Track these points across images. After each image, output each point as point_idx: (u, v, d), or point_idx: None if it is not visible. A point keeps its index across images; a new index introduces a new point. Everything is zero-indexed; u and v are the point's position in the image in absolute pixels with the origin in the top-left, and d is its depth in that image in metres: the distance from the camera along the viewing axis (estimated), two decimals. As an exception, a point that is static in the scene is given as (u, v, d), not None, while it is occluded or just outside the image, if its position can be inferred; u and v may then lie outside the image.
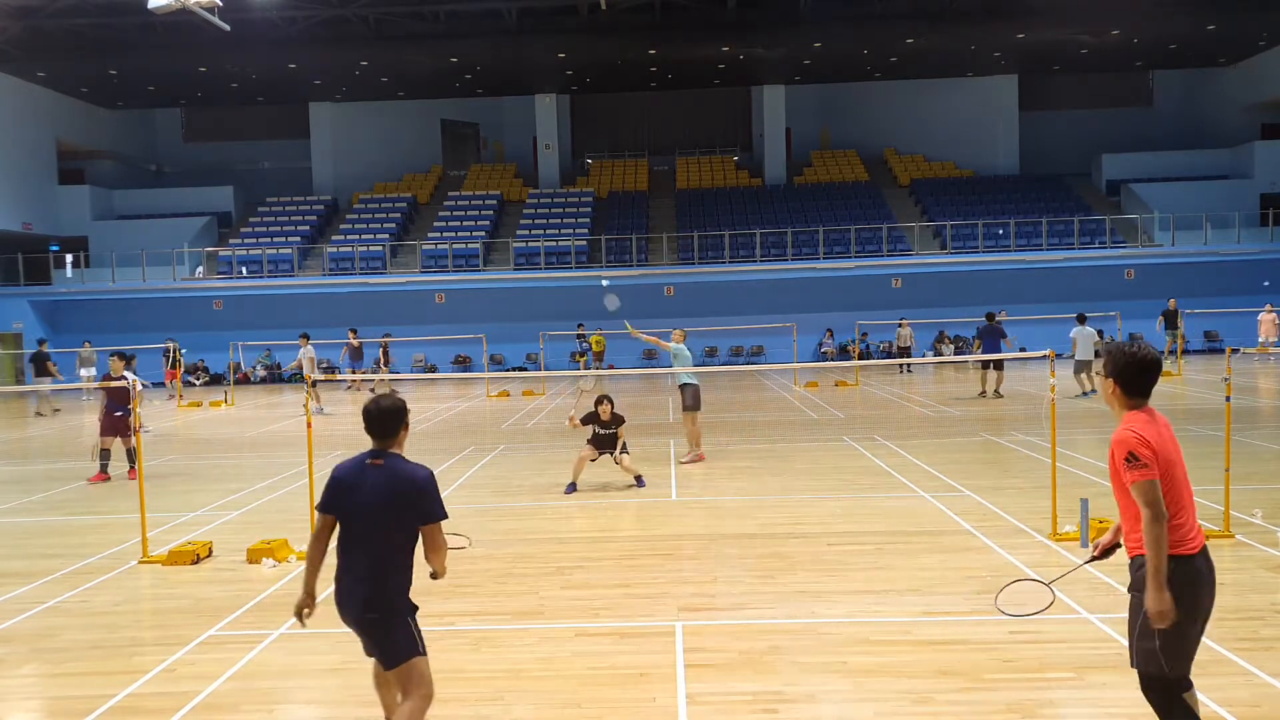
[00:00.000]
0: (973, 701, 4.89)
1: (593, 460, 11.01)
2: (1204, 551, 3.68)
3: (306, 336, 22.01)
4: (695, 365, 13.40)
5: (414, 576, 4.15)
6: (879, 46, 33.18)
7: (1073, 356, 19.04)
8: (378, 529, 3.98)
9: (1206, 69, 37.21)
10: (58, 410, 23.18)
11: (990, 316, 20.22)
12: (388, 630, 4.00)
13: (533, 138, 38.94)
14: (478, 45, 31.51)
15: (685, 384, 12.78)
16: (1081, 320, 19.55)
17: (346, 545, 4.05)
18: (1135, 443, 3.66)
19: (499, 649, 5.82)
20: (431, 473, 4.05)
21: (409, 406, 4.31)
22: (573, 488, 10.82)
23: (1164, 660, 3.61)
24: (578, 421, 11.13)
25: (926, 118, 38.91)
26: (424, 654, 4.06)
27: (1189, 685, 3.77)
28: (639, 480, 10.95)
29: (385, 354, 27.03)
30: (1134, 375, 3.78)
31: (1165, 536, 3.56)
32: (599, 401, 10.99)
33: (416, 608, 4.13)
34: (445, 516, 4.06)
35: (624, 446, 10.96)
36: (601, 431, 10.97)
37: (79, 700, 5.27)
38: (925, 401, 19.70)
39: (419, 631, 4.08)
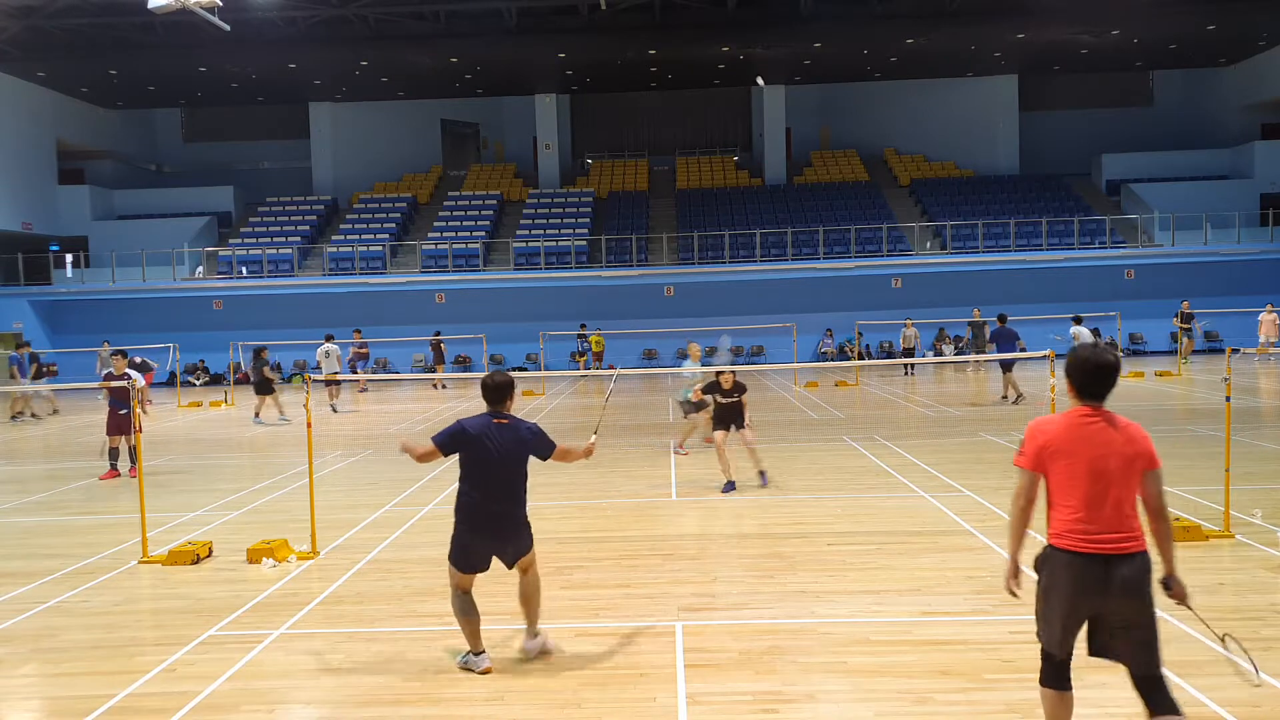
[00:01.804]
0: (973, 701, 4.89)
1: (726, 434, 10.81)
2: (1085, 554, 3.77)
3: (330, 337, 22.29)
4: (697, 365, 13.52)
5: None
6: (879, 46, 33.16)
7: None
8: (511, 466, 5.46)
9: (1206, 69, 37.19)
10: (56, 411, 23.01)
11: (1002, 319, 19.63)
12: (523, 534, 5.55)
13: (533, 138, 38.93)
14: (478, 45, 31.50)
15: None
16: (1078, 321, 19.67)
17: (482, 481, 5.40)
18: (1028, 432, 3.97)
19: (499, 649, 5.82)
20: (538, 426, 5.66)
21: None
22: (731, 486, 10.52)
23: (1037, 609, 3.97)
24: (700, 393, 11.14)
25: (926, 118, 38.89)
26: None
27: (1063, 679, 3.97)
28: (763, 476, 10.75)
29: (439, 352, 27.27)
30: (1082, 377, 3.91)
31: (1019, 516, 3.95)
32: (719, 371, 10.97)
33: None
34: (556, 446, 5.71)
35: (749, 420, 10.86)
36: (724, 400, 10.80)
37: (79, 700, 5.28)
38: (925, 401, 19.70)
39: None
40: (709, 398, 11.14)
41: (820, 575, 7.19)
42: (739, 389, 10.79)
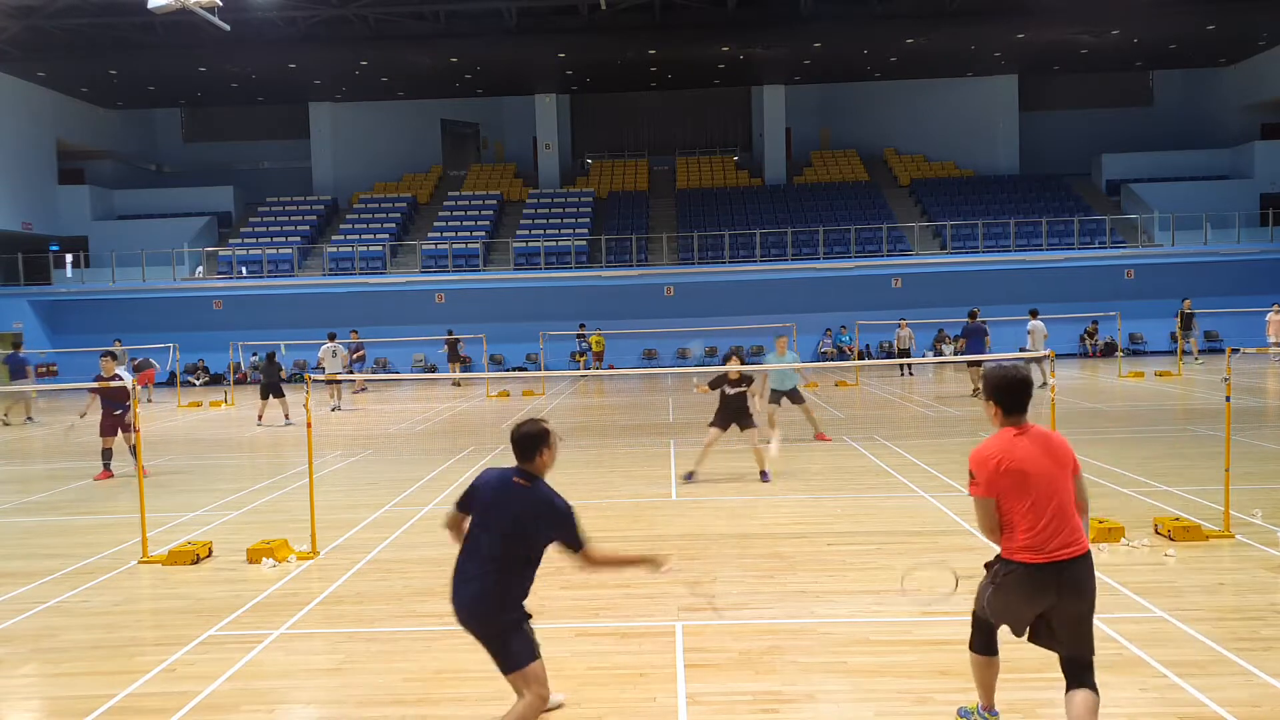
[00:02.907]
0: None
1: (720, 433, 10.97)
2: (1040, 565, 4.01)
3: (333, 335, 22.44)
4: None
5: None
6: (879, 46, 33.17)
7: (1028, 348, 20.30)
8: (501, 539, 4.21)
9: (1206, 69, 37.20)
10: (30, 420, 21.07)
11: (972, 315, 20.29)
12: (499, 638, 4.21)
13: (533, 138, 38.94)
14: (478, 45, 31.51)
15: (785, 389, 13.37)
16: (1034, 315, 20.89)
17: (471, 550, 4.28)
18: (975, 462, 4.17)
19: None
20: (568, 505, 4.30)
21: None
22: (691, 476, 10.94)
23: (988, 605, 4.23)
24: (705, 387, 11.10)
25: (926, 118, 38.89)
26: (538, 658, 4.26)
27: (993, 646, 4.39)
28: (764, 475, 10.94)
29: (454, 351, 27.36)
30: (1006, 395, 4.18)
31: (996, 538, 4.22)
32: (728, 358, 11.02)
33: (529, 615, 4.35)
34: (584, 546, 4.29)
35: (752, 418, 10.96)
36: (730, 391, 10.85)
37: (79, 700, 5.28)
38: (925, 402, 19.70)
39: (532, 636, 4.30)
40: (715, 391, 11.14)
41: (820, 575, 7.19)
42: (746, 380, 11.01)
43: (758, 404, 11.22)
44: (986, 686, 4.48)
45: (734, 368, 10.93)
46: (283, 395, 18.72)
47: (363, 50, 31.48)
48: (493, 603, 4.19)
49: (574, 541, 4.26)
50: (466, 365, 32.05)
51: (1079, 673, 4.11)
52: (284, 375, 19.36)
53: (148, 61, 31.53)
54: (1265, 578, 6.80)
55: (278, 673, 5.62)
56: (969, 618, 4.47)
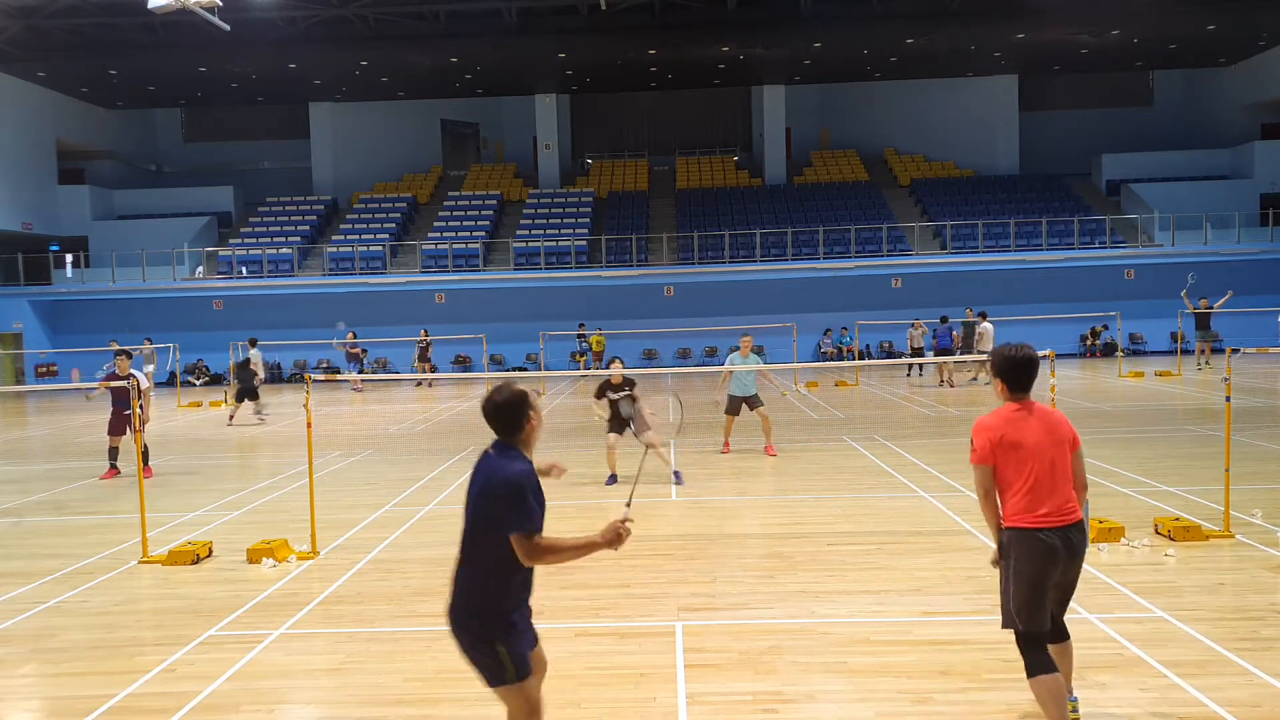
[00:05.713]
0: (973, 701, 4.89)
1: (618, 438, 11.07)
2: (1049, 530, 4.19)
3: (254, 340, 21.58)
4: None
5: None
6: (879, 46, 33.17)
7: (978, 349, 22.21)
8: (472, 532, 3.52)
9: (1206, 69, 37.20)
10: None
11: (944, 319, 22.78)
12: (468, 648, 3.57)
13: (533, 138, 38.93)
14: (478, 45, 31.50)
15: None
16: (984, 317, 22.38)
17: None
18: (976, 431, 4.37)
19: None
20: (518, 474, 3.45)
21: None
22: (613, 479, 11.07)
23: (1017, 619, 4.26)
24: (597, 407, 11.25)
25: (926, 118, 38.90)
26: (513, 681, 3.60)
27: (1050, 661, 4.26)
28: (676, 476, 11.03)
29: (425, 352, 27.43)
30: (1011, 373, 4.38)
31: (988, 510, 4.38)
32: (609, 363, 11.16)
33: (507, 628, 3.56)
34: (521, 530, 3.37)
35: (645, 420, 10.80)
36: (614, 396, 11.05)
37: (79, 700, 5.28)
38: (925, 401, 19.70)
39: (509, 657, 3.55)
40: (603, 399, 11.24)
41: (820, 575, 7.19)
42: (629, 383, 11.12)
43: (644, 410, 11.06)
44: (1061, 709, 4.14)
45: (616, 371, 11.12)
46: (256, 398, 18.97)
47: (363, 50, 31.47)
48: (458, 608, 3.52)
49: (512, 524, 3.34)
50: (466, 365, 32.05)
51: (1056, 631, 4.38)
52: (259, 381, 19.53)
53: (148, 61, 31.52)
54: (1265, 578, 6.80)
55: (278, 673, 5.61)
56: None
